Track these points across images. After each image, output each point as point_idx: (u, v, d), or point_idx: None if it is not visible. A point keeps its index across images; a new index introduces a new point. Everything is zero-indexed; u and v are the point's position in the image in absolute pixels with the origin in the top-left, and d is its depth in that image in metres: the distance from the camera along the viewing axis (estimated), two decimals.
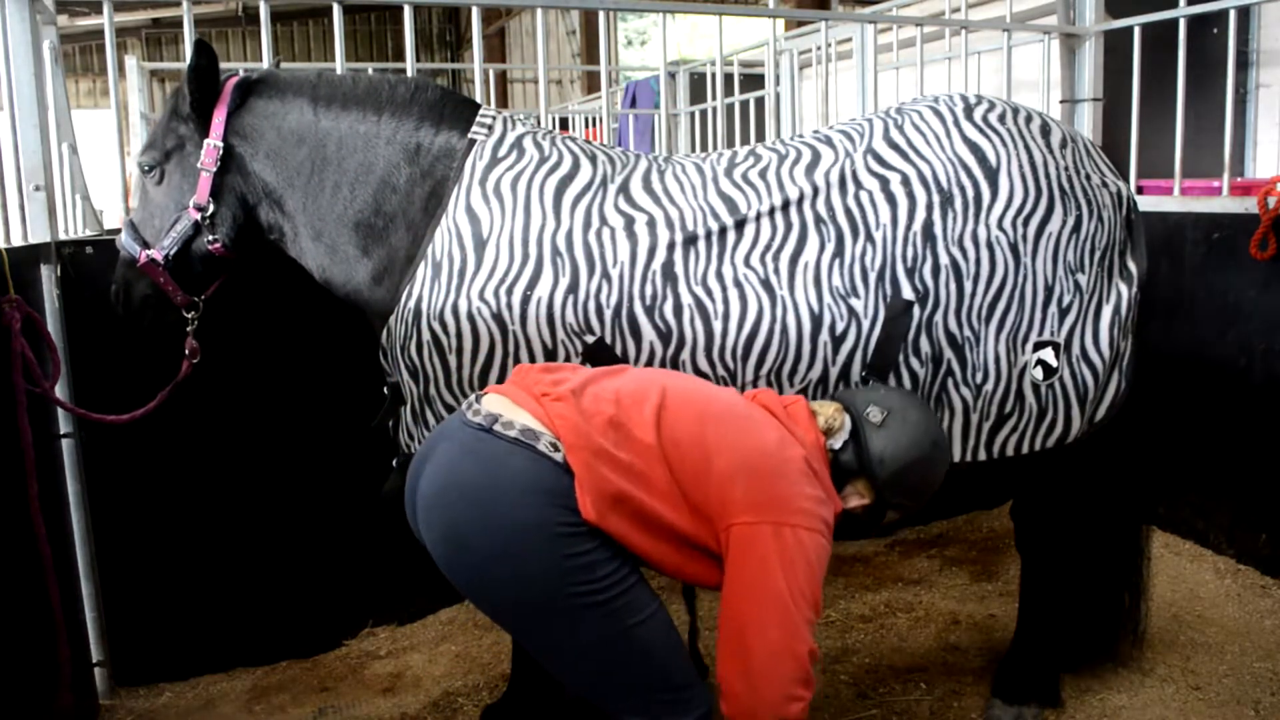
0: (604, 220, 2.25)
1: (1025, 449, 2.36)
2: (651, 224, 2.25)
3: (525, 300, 2.20)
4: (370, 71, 5.25)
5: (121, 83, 3.70)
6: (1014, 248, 2.25)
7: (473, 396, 1.93)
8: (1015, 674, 2.67)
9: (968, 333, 2.26)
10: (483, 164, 2.30)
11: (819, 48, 4.69)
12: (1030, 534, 2.66)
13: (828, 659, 2.99)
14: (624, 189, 2.31)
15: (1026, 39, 4.53)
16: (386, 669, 3.05)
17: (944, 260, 2.23)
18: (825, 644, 3.08)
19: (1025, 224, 2.25)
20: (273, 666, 3.08)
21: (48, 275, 2.69)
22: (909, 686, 2.83)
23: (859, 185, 2.27)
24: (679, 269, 2.22)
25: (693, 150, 7.49)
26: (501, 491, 1.74)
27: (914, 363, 2.25)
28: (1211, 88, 3.89)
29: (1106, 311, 2.33)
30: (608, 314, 2.20)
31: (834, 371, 2.24)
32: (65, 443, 2.78)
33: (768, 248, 2.24)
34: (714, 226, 2.25)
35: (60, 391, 2.61)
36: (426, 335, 2.23)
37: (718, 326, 2.21)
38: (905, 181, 2.25)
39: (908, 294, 2.23)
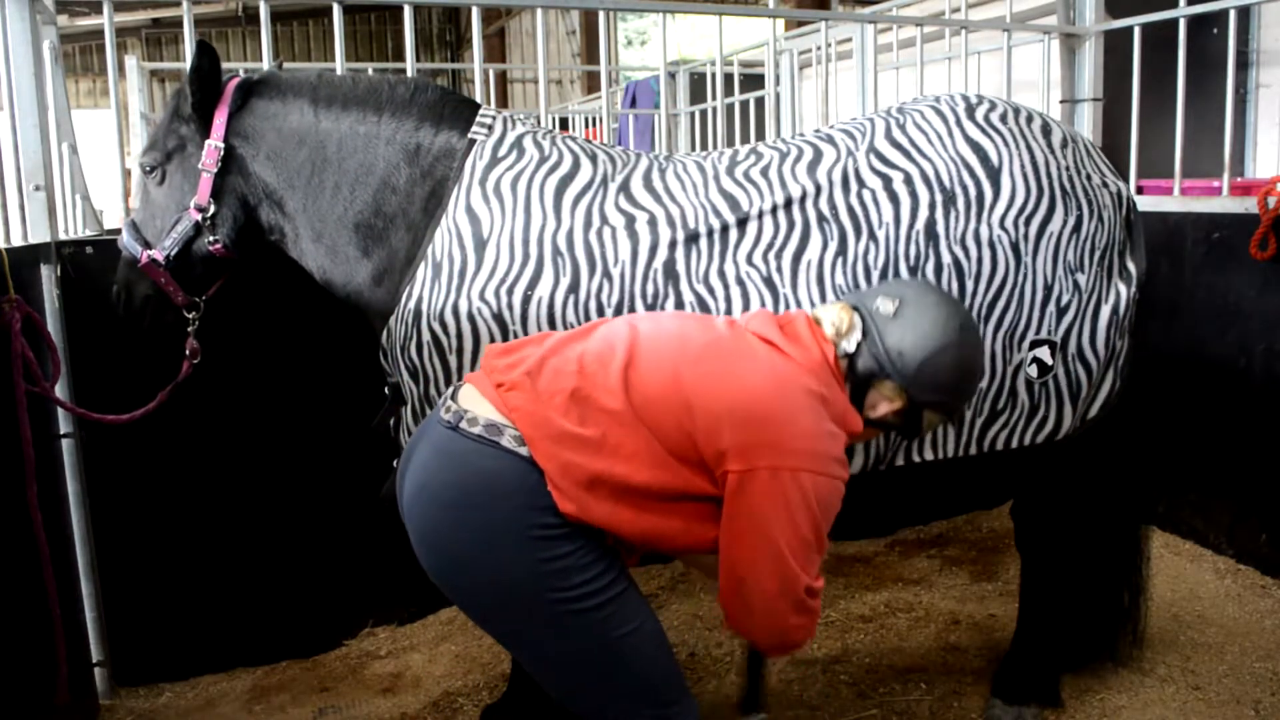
0: (605, 219, 2.25)
1: (1015, 444, 2.37)
2: (652, 222, 2.24)
3: (526, 300, 2.19)
4: (370, 72, 5.26)
5: (121, 83, 3.70)
6: (1015, 247, 2.25)
7: (450, 389, 1.87)
8: (1015, 674, 2.67)
9: None
10: (483, 164, 2.29)
11: (819, 48, 4.69)
12: (1030, 534, 2.66)
13: (828, 659, 2.98)
14: (625, 188, 2.30)
15: (1026, 39, 4.53)
16: (386, 669, 3.05)
17: (946, 259, 2.23)
18: (825, 644, 3.07)
19: (1027, 224, 2.25)
20: (273, 666, 3.08)
21: (48, 275, 2.69)
22: (909, 686, 2.83)
23: (862, 184, 2.26)
24: (680, 267, 2.21)
25: (693, 150, 7.49)
26: (470, 494, 1.67)
27: None
28: (1211, 88, 3.90)
29: (1105, 311, 2.33)
30: (609, 313, 2.20)
31: None
32: (65, 443, 2.78)
33: (770, 246, 2.24)
34: (716, 224, 2.24)
35: (60, 391, 2.60)
36: (427, 336, 2.23)
37: None
38: (908, 180, 2.25)
39: None
